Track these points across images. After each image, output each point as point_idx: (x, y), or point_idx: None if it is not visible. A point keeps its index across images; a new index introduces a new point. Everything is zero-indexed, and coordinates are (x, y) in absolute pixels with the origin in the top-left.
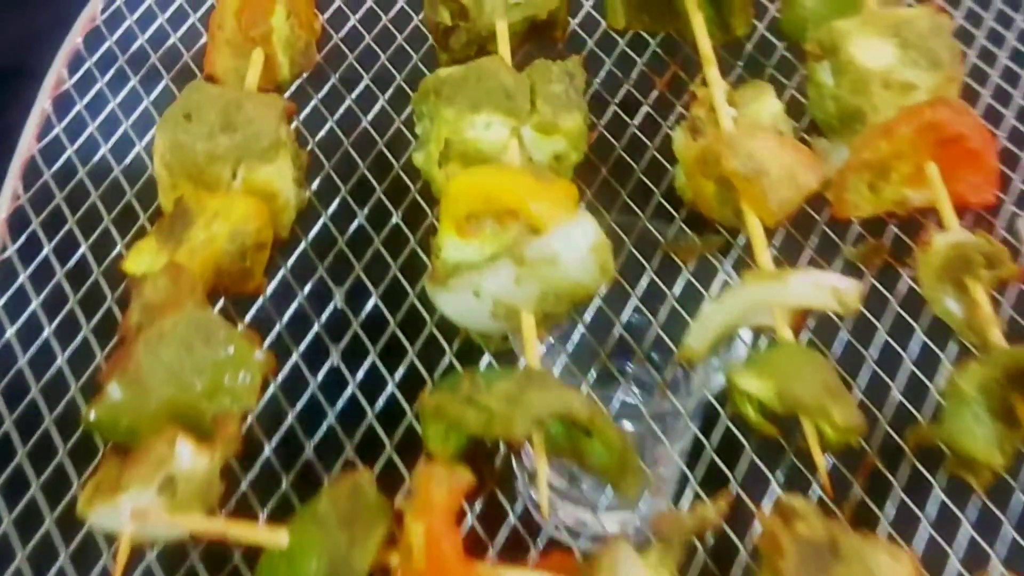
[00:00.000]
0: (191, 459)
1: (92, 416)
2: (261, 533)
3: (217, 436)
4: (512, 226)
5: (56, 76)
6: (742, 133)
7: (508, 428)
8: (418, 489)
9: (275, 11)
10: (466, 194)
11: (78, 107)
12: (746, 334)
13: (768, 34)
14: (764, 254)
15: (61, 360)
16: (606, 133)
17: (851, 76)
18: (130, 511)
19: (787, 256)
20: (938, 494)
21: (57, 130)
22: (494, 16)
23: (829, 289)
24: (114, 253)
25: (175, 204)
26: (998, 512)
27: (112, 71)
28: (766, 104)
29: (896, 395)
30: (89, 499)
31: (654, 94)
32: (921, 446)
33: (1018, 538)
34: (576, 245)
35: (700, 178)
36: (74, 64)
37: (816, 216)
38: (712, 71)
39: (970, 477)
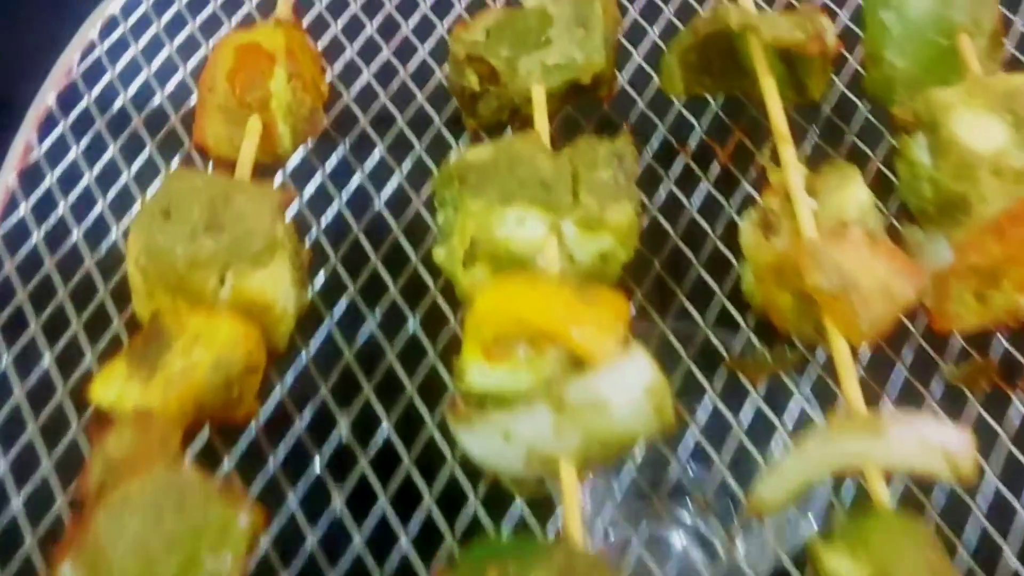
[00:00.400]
0: None
1: None
2: None
3: None
4: (549, 352)
5: (23, 143)
6: (827, 239)
7: None
8: None
9: (274, 73)
10: (495, 314)
11: (48, 182)
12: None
13: (849, 92)
14: (851, 381)
15: (17, 502)
16: (660, 217)
17: (954, 158)
18: None
19: (876, 376)
20: None
21: (23, 210)
22: (529, 80)
23: (939, 451)
24: (82, 367)
25: (149, 322)
26: None
27: (88, 137)
28: (852, 193)
29: (1010, 559)
30: None
31: (715, 167)
32: None
33: None
34: (628, 387)
35: (773, 287)
36: (45, 128)
37: (910, 326)
38: (788, 152)
39: None
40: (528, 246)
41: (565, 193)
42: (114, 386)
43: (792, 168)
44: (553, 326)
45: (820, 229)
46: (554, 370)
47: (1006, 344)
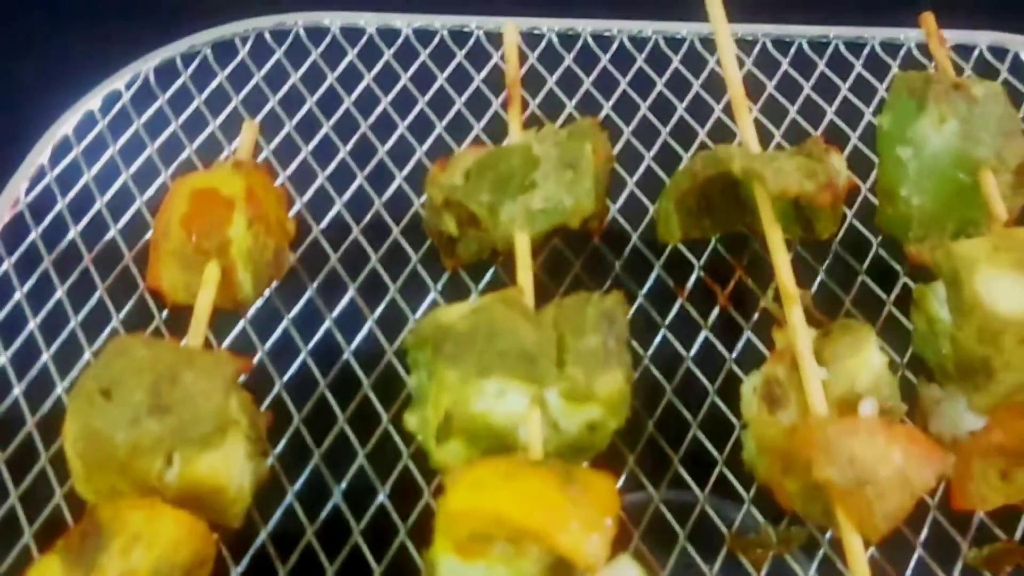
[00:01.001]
0: None
1: None
2: None
3: None
4: (526, 548)
5: None
6: (838, 426)
7: None
8: None
9: (233, 220)
10: (470, 510)
11: None
12: None
13: (859, 225)
14: (862, 567)
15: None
16: (653, 369)
17: (977, 319)
18: None
19: (891, 557)
20: None
21: None
22: (512, 227)
23: None
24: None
25: (86, 516)
26: None
27: (34, 278)
28: (865, 360)
29: None
30: None
31: (714, 310)
32: None
33: None
34: None
35: (779, 473)
36: None
37: (928, 500)
38: (794, 312)
39: None
40: (508, 420)
41: (549, 363)
42: None
43: (800, 332)
44: (535, 526)
45: (830, 400)
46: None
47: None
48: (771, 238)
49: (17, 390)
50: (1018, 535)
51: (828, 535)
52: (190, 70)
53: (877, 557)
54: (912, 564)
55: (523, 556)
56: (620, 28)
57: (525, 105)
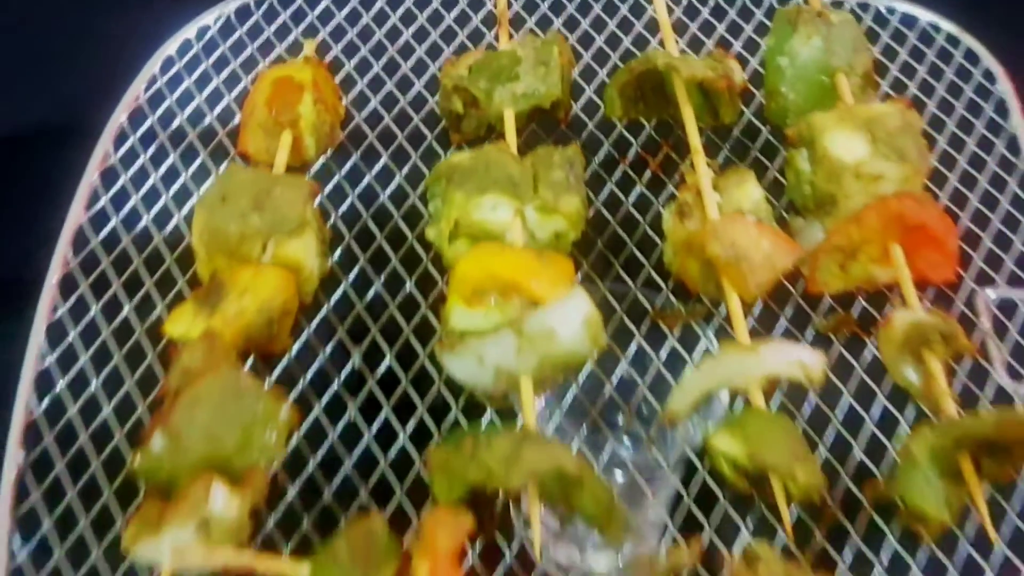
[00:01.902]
0: (224, 503)
1: (136, 463)
2: (286, 566)
3: (247, 484)
4: (514, 299)
5: (103, 151)
6: (726, 221)
7: (505, 482)
8: (424, 532)
9: (303, 99)
10: (473, 271)
11: (122, 180)
12: (724, 393)
13: (754, 119)
14: (742, 325)
15: (107, 410)
16: (603, 210)
17: (826, 166)
18: (171, 548)
19: (764, 325)
20: (891, 543)
21: (103, 201)
22: (502, 106)
23: (797, 363)
24: (155, 314)
25: (210, 278)
26: (945, 560)
27: (153, 147)
28: (748, 191)
29: (857, 453)
30: (133, 536)
31: (647, 174)
32: (878, 500)
33: None
34: (570, 319)
35: (686, 257)
36: (119, 140)
37: (792, 289)
38: (700, 161)
39: (921, 529)
40: (499, 226)
41: (528, 187)
42: (184, 322)
43: (703, 172)
44: (517, 278)
45: (721, 215)
46: (517, 310)
47: (863, 303)
48: (685, 114)
49: (146, 219)
50: (855, 312)
51: (721, 309)
52: (261, 11)
53: (755, 326)
54: (780, 330)
55: (509, 303)
56: None
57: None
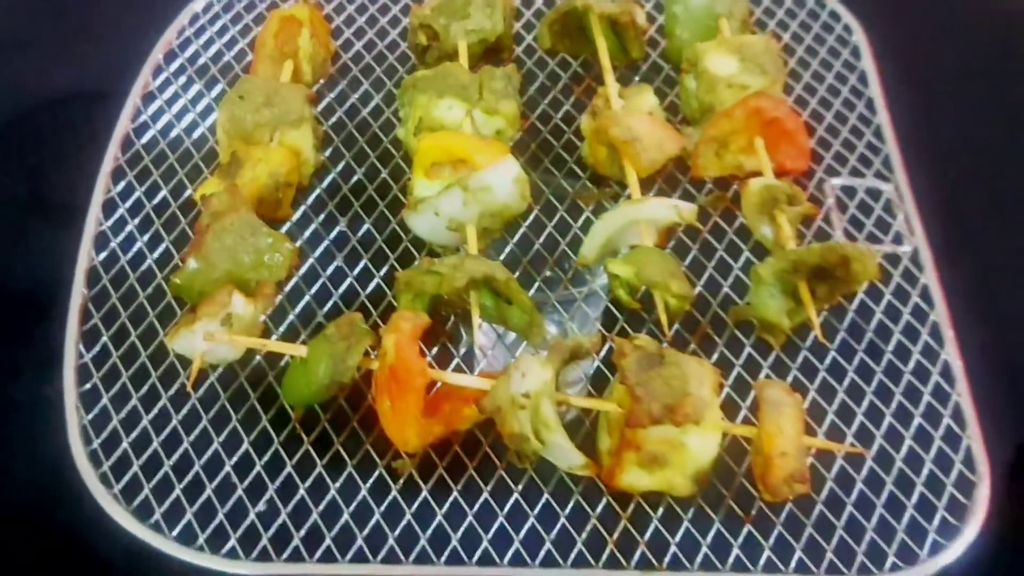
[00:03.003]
0: (242, 306)
1: (178, 280)
2: (289, 347)
3: (259, 294)
4: (463, 170)
5: (143, 81)
6: (624, 112)
7: (452, 284)
8: (391, 322)
9: (302, 33)
10: (431, 148)
11: (159, 101)
12: (625, 249)
13: (659, 60)
14: (637, 192)
15: (150, 260)
16: (537, 123)
17: (706, 81)
18: (203, 334)
19: None
20: (748, 350)
21: (144, 117)
22: (456, 38)
23: (673, 207)
24: (187, 193)
25: (231, 155)
26: (787, 360)
27: (183, 78)
28: (645, 98)
29: (726, 289)
30: (173, 334)
31: (573, 98)
32: (739, 320)
33: (800, 376)
34: (504, 178)
35: (596, 145)
36: (156, 73)
37: (680, 177)
38: (609, 76)
39: (770, 338)
40: (453, 123)
41: (475, 92)
42: (210, 189)
43: (610, 84)
44: (464, 151)
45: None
46: (463, 175)
47: (735, 186)
48: (599, 43)
49: (177, 128)
50: (729, 193)
51: (627, 192)
52: None
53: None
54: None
55: (459, 173)
56: None
57: None
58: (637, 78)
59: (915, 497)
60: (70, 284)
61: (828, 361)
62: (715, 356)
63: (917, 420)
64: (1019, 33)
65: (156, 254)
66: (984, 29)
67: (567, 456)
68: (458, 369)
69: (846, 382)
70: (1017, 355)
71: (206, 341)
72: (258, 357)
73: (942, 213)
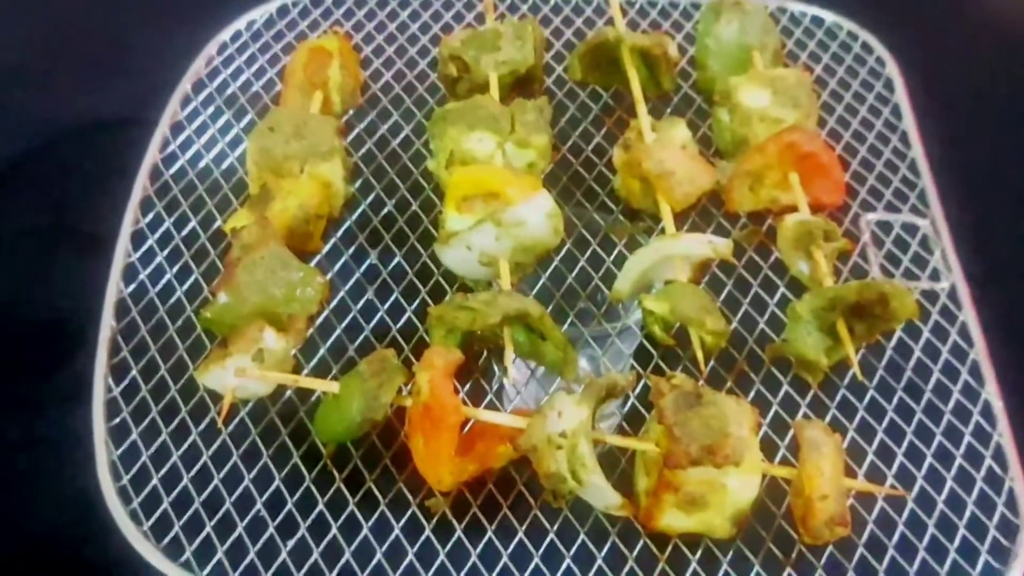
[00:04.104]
0: (273, 341)
1: (208, 315)
2: (320, 383)
3: (290, 329)
4: (495, 204)
5: (172, 111)
6: (657, 145)
7: (485, 320)
8: (424, 358)
9: (332, 64)
10: (464, 182)
11: (187, 131)
12: (659, 284)
13: (691, 92)
14: (672, 231)
15: (180, 292)
16: (568, 155)
17: (739, 114)
18: (234, 370)
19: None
20: (786, 387)
21: (172, 147)
22: (487, 70)
23: (708, 243)
24: (215, 225)
25: (261, 187)
26: (825, 398)
27: (212, 108)
28: (678, 131)
29: (762, 326)
30: (203, 369)
31: (604, 129)
32: (775, 357)
33: (839, 415)
34: (537, 212)
35: (629, 178)
36: (184, 103)
37: (715, 211)
38: (641, 108)
39: (807, 375)
40: (484, 155)
41: (507, 125)
42: (239, 221)
43: (643, 116)
44: (497, 186)
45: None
46: (496, 208)
47: (770, 221)
48: (631, 75)
49: (206, 158)
50: (764, 227)
51: (660, 225)
52: (297, 9)
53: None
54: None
55: (491, 207)
56: None
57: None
58: (669, 110)
59: (957, 540)
60: (98, 316)
61: (867, 400)
62: (752, 394)
63: (958, 461)
64: None
65: (185, 286)
66: (1016, 59)
67: (604, 496)
68: (491, 405)
69: (885, 421)
70: None
71: (237, 377)
72: (289, 392)
73: (977, 248)
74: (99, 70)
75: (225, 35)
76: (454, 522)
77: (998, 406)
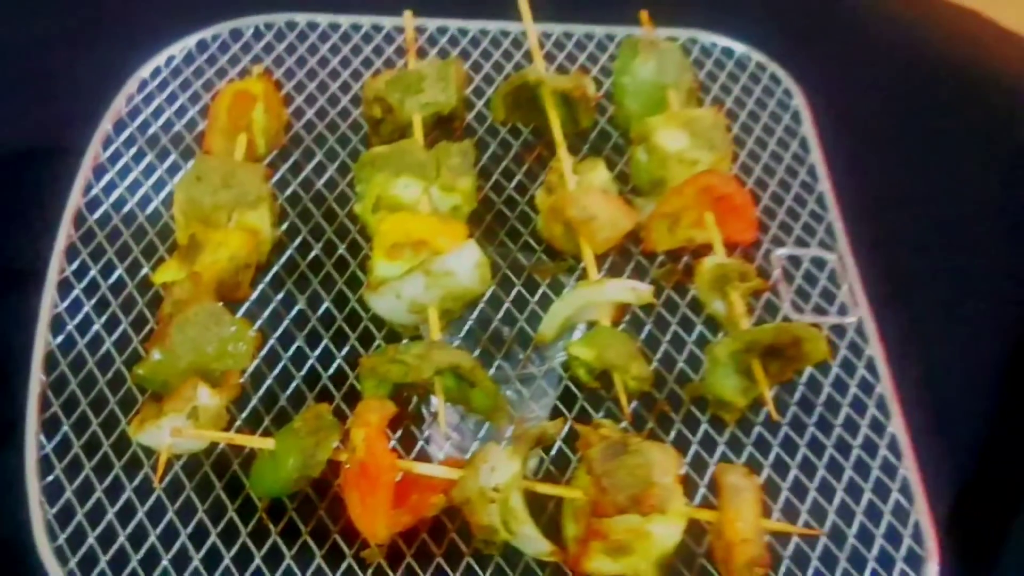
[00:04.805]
0: (207, 398)
1: (140, 370)
2: (256, 440)
3: (224, 384)
4: (423, 252)
5: (93, 153)
6: (580, 191)
7: (419, 375)
8: (358, 412)
9: (256, 107)
10: (392, 230)
11: (110, 174)
12: (583, 326)
13: (607, 127)
14: (594, 273)
15: (108, 343)
16: (491, 193)
17: (657, 155)
18: (170, 429)
19: (613, 275)
20: (705, 426)
21: (96, 190)
22: (411, 111)
23: (630, 289)
24: (142, 272)
25: (190, 238)
26: (743, 437)
27: (134, 149)
28: (598, 173)
29: (681, 364)
30: (138, 426)
31: (525, 167)
32: (694, 396)
33: (755, 453)
34: (466, 263)
35: (552, 222)
36: (106, 144)
37: (633, 249)
38: (562, 151)
39: (724, 414)
40: (411, 200)
41: (432, 170)
42: (169, 273)
43: (564, 158)
44: (425, 235)
45: (577, 188)
46: (425, 259)
47: (687, 259)
48: (551, 117)
49: (131, 202)
50: (681, 264)
51: (582, 265)
52: (216, 44)
53: (604, 274)
54: (625, 275)
55: (419, 255)
56: (462, 27)
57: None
58: (587, 147)
59: (868, 573)
60: (21, 357)
61: (781, 436)
62: (672, 433)
63: (867, 495)
64: (956, 90)
65: (114, 337)
66: (923, 87)
67: (535, 544)
68: (422, 451)
69: (798, 457)
70: (958, 422)
71: (173, 437)
72: (222, 445)
73: (884, 278)
74: (14, 96)
75: (145, 72)
76: (390, 573)
77: (903, 440)
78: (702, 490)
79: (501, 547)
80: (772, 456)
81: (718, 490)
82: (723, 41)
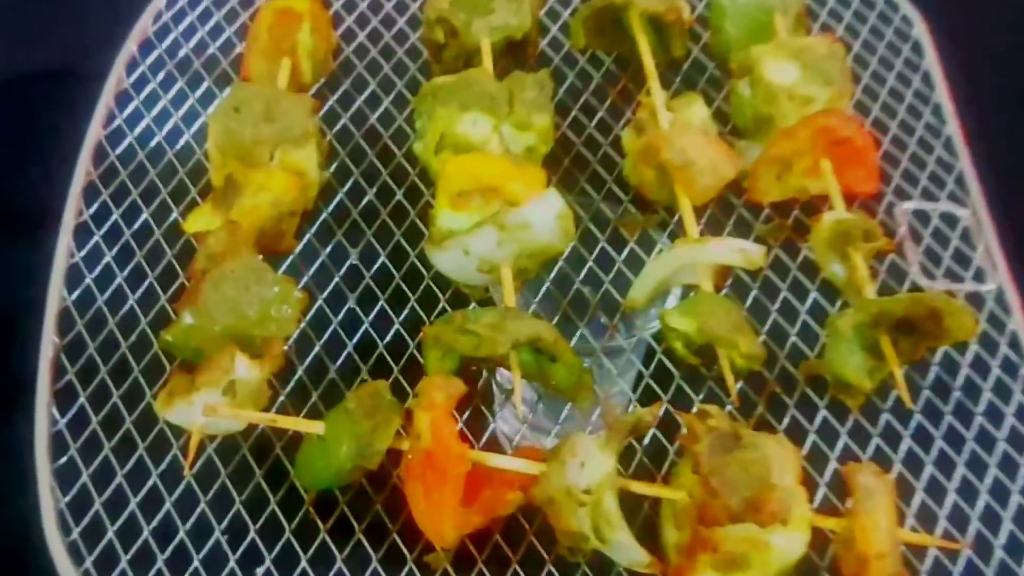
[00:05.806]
0: (246, 370)
1: (168, 336)
2: (303, 423)
3: (265, 354)
4: (494, 200)
5: (116, 78)
6: (676, 131)
7: (492, 349)
8: (422, 392)
9: (301, 27)
10: (459, 174)
11: (135, 103)
12: (678, 289)
13: (701, 56)
14: (693, 228)
15: (132, 300)
16: (569, 132)
17: (763, 91)
18: (202, 407)
19: (712, 231)
20: (823, 412)
21: (118, 121)
22: (479, 35)
23: (739, 251)
24: (171, 218)
25: (226, 179)
26: (868, 426)
27: (162, 74)
28: (696, 110)
29: (793, 338)
30: (165, 402)
31: (608, 102)
32: (810, 375)
33: (883, 445)
34: (546, 214)
35: (643, 167)
36: (130, 68)
37: (735, 201)
38: (654, 83)
39: (846, 399)
40: (479, 139)
41: (504, 104)
42: (203, 220)
43: (656, 93)
44: (497, 181)
45: (672, 127)
46: (499, 210)
47: (797, 212)
48: (640, 43)
49: (158, 136)
50: (790, 219)
51: (676, 218)
52: None
53: (702, 229)
54: (726, 231)
55: (490, 204)
56: None
57: None
58: (679, 79)
59: None
60: (33, 315)
61: (913, 426)
62: (786, 420)
63: (1016, 498)
64: None
65: (138, 293)
66: None
67: (630, 553)
68: (492, 439)
69: (934, 451)
70: None
71: (207, 416)
72: (262, 426)
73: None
74: (29, 18)
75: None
76: None
77: None
78: (822, 490)
79: (588, 554)
80: (903, 450)
81: (850, 492)
82: None
